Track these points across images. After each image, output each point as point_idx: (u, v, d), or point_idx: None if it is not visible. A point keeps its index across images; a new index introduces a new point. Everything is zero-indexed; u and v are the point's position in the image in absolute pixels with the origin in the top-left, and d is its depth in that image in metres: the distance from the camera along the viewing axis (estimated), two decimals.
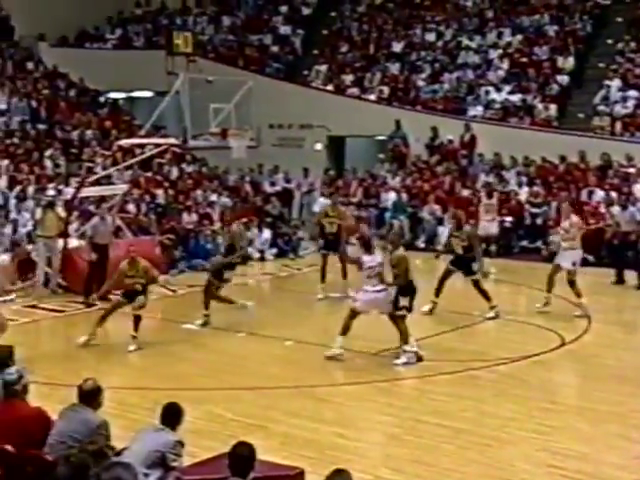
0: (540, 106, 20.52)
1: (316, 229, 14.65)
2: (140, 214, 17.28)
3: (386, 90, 22.57)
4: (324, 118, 21.92)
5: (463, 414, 8.40)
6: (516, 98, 20.91)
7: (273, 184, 21.06)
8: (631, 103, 19.52)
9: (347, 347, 10.47)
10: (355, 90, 22.95)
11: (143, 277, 11.06)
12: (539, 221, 17.83)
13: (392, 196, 19.54)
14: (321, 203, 19.72)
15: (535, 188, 18.32)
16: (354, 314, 10.25)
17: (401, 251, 10.46)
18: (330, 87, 23.38)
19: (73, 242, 14.59)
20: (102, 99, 24.27)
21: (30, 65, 24.22)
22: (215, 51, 25.17)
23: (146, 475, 5.25)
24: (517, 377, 9.54)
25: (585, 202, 17.51)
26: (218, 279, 12.04)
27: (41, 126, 21.39)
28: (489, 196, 16.60)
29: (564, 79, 20.95)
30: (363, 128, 21.78)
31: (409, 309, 10.16)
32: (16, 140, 20.27)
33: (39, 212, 14.59)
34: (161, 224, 17.05)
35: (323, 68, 24.02)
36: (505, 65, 21.87)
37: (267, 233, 18.08)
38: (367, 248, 10.47)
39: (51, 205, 14.49)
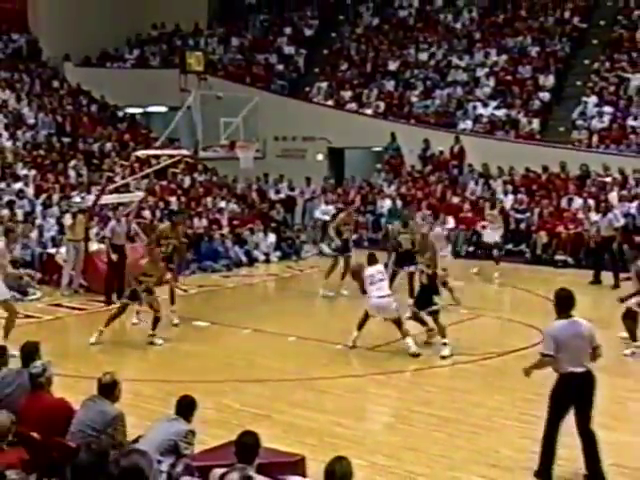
0: (524, 120, 20.50)
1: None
2: (155, 220, 17.26)
3: (382, 105, 22.55)
4: (325, 131, 21.90)
5: (452, 404, 8.38)
6: (501, 113, 20.89)
7: (278, 192, 21.04)
8: (606, 118, 19.51)
9: (344, 342, 10.46)
10: (353, 105, 22.94)
11: (157, 279, 11.10)
12: (523, 226, 17.81)
13: (387, 203, 19.54)
14: (323, 209, 19.78)
15: (519, 196, 18.30)
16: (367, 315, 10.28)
17: None
18: (330, 102, 23.36)
19: (94, 246, 14.58)
20: (121, 114, 24.30)
21: (56, 83, 24.26)
22: (224, 69, 25.16)
23: (159, 462, 5.24)
24: (503, 370, 9.50)
25: (565, 209, 17.50)
26: None
27: (65, 139, 21.41)
28: (492, 206, 16.41)
29: (545, 96, 20.93)
30: (361, 140, 21.76)
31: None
32: (42, 152, 20.29)
33: (68, 218, 14.54)
34: (175, 229, 17.00)
35: (324, 85, 24.00)
36: (491, 83, 21.85)
37: (272, 237, 18.07)
38: (370, 261, 10.55)
39: (81, 212, 14.53)
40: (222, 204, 19.13)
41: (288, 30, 26.39)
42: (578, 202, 17.41)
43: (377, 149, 22.32)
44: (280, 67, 25.38)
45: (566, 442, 6.53)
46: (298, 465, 5.75)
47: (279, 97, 23.21)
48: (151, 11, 26.69)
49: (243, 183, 21.06)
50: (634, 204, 16.41)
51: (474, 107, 21.35)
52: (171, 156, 16.48)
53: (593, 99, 19.98)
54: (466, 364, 9.75)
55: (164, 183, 19.59)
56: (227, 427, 7.15)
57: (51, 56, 24.93)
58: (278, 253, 17.93)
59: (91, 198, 15.77)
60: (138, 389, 8.54)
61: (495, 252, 15.79)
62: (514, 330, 11.42)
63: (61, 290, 14.12)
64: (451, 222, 18.26)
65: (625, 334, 10.28)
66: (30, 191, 17.67)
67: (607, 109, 19.62)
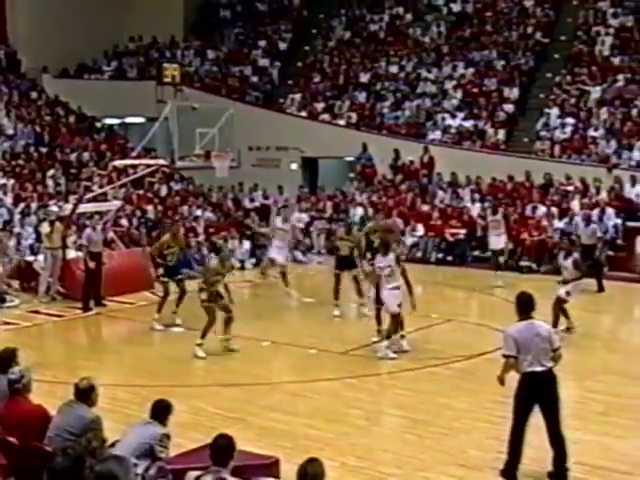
0: (490, 131, 20.67)
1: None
2: (132, 228, 17.16)
3: (354, 116, 22.61)
4: (298, 141, 21.91)
5: (422, 406, 8.40)
6: (469, 124, 21.04)
7: (252, 200, 21.00)
8: (568, 129, 19.73)
9: (318, 347, 10.45)
10: (326, 116, 22.97)
11: (179, 252, 11.97)
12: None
13: (360, 211, 19.56)
14: (297, 217, 19.77)
15: (486, 204, 18.42)
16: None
17: None
18: (304, 113, 23.38)
19: (71, 253, 14.45)
20: (99, 125, 24.10)
21: (34, 95, 24.01)
22: (200, 81, 25.09)
23: (135, 465, 5.19)
24: (471, 373, 9.55)
25: (529, 216, 17.65)
26: None
27: (43, 149, 21.20)
28: (494, 212, 15.98)
29: (510, 107, 21.13)
30: (334, 150, 21.80)
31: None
32: (21, 162, 20.08)
33: (46, 226, 14.36)
34: (151, 237, 16.91)
35: (297, 96, 24.02)
36: (459, 95, 22.01)
37: (247, 244, 18.02)
38: (385, 249, 10.49)
39: (59, 219, 14.38)
40: (198, 212, 19.05)
41: (262, 43, 26.40)
42: (542, 210, 17.56)
43: (349, 159, 22.36)
44: (255, 79, 25.37)
45: (533, 442, 6.57)
46: (272, 467, 5.73)
47: (254, 108, 23.18)
48: (128, 24, 26.54)
49: (219, 192, 21.00)
50: (595, 212, 16.59)
51: (443, 118, 21.48)
52: (148, 166, 16.44)
53: (555, 111, 20.21)
54: (435, 367, 9.77)
55: (141, 192, 19.47)
56: (202, 430, 7.11)
57: (30, 68, 24.66)
58: (253, 260, 17.88)
59: (68, 207, 15.63)
60: (115, 394, 8.46)
61: (501, 259, 15.41)
62: (481, 334, 11.47)
63: (39, 297, 13.96)
64: (420, 229, 18.37)
65: (562, 327, 10.74)
66: (9, 200, 17.47)
67: (569, 120, 19.85)
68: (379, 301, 10.58)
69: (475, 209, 18.47)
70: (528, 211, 17.82)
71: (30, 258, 15.00)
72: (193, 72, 25.28)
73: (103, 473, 4.31)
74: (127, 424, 6.07)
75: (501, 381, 6.64)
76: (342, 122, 22.59)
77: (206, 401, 8.53)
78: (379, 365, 9.90)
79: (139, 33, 27.02)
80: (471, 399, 8.60)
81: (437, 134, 21.17)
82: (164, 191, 20.43)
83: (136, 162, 16.79)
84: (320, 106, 23.36)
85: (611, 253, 16.21)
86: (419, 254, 18.03)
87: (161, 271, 12.38)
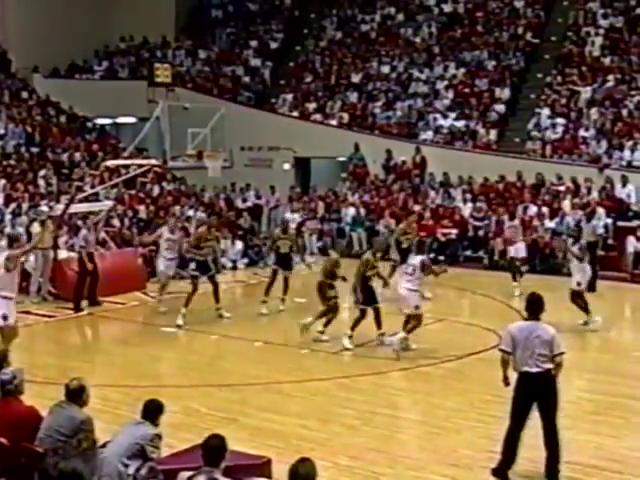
0: (481, 131, 20.71)
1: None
2: (124, 228, 17.10)
3: (346, 116, 22.62)
4: (290, 141, 21.89)
5: (414, 406, 8.43)
6: (460, 124, 21.07)
7: (245, 200, 20.99)
8: (559, 129, 19.78)
9: (311, 347, 10.45)
10: (318, 116, 22.96)
11: (214, 245, 12.26)
12: (481, 233, 17.97)
13: (351, 211, 19.57)
14: (288, 218, 19.76)
15: (478, 204, 18.46)
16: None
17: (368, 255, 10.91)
18: (296, 113, 23.37)
19: (62, 254, 14.40)
20: (90, 125, 24.03)
21: (25, 94, 23.93)
22: (192, 81, 25.04)
23: (126, 465, 5.18)
24: (462, 372, 9.58)
25: (521, 216, 17.67)
26: None
27: (35, 149, 21.13)
28: (511, 218, 15.72)
29: (501, 108, 21.18)
30: (326, 150, 21.79)
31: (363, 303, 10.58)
32: (12, 162, 20.00)
33: (36, 226, 14.30)
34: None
35: (289, 97, 24.01)
36: (450, 95, 22.05)
37: (239, 244, 17.99)
38: (421, 249, 10.77)
39: (50, 219, 14.33)
40: (190, 212, 19.00)
41: (254, 43, 26.38)
42: (533, 210, 17.61)
43: (341, 159, 22.37)
44: (246, 79, 25.35)
45: (529, 442, 6.57)
46: (264, 467, 5.73)
47: (245, 108, 23.16)
48: (119, 24, 26.48)
49: (211, 192, 20.96)
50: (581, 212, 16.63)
51: (434, 118, 21.51)
52: (140, 165, 16.40)
53: (546, 111, 20.26)
54: (427, 367, 9.78)
55: (133, 192, 19.42)
56: (194, 431, 7.09)
57: (20, 67, 24.58)
58: (245, 260, 17.86)
59: (60, 207, 15.58)
60: (106, 394, 8.43)
61: (523, 268, 14.71)
62: (473, 334, 11.49)
63: (30, 297, 13.90)
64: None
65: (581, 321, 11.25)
66: (0, 200, 17.40)
67: (560, 121, 19.90)
68: (366, 302, 10.57)
69: (467, 209, 18.51)
70: (519, 211, 17.85)
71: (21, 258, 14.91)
72: (185, 72, 25.24)
73: (67, 471, 4.26)
74: (118, 424, 6.05)
75: (505, 379, 6.60)
76: (334, 122, 22.59)
77: (198, 402, 8.51)
78: (371, 365, 9.90)
79: (130, 33, 26.97)
80: (462, 399, 8.61)
81: (429, 134, 21.20)
82: (156, 191, 20.37)
83: (128, 162, 16.76)
84: (312, 106, 23.35)
85: (602, 253, 16.26)
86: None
87: (193, 266, 12.43)
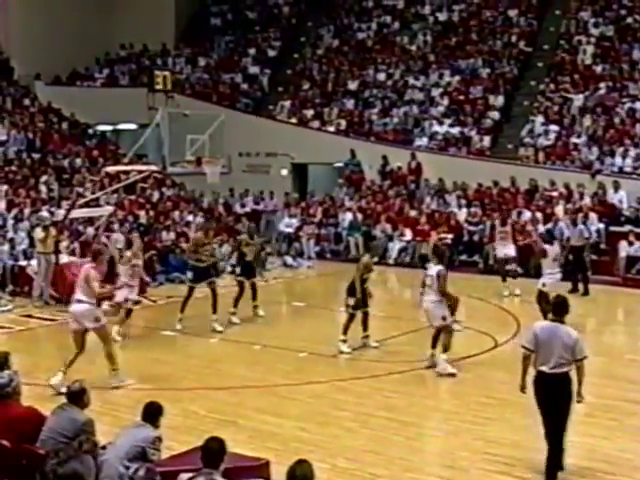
0: (476, 138, 20.74)
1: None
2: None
3: (343, 123, 22.64)
4: (288, 147, 21.90)
5: (410, 409, 8.40)
6: (455, 131, 21.11)
7: (243, 206, 20.99)
8: (552, 136, 19.82)
9: (308, 350, 10.43)
10: (315, 123, 22.99)
11: (212, 250, 11.84)
12: (476, 238, 17.98)
13: (348, 216, 19.59)
14: (286, 222, 19.79)
15: (473, 209, 18.47)
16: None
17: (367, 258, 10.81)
18: (293, 120, 23.39)
19: (64, 258, 14.38)
20: (91, 131, 24.06)
21: (27, 101, 23.96)
22: (191, 88, 25.06)
23: (127, 468, 5.17)
24: (458, 375, 9.54)
25: (515, 221, 17.68)
26: None
27: (36, 155, 21.13)
28: (503, 223, 15.71)
29: (495, 115, 21.22)
30: (323, 156, 21.82)
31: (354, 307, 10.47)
32: (14, 168, 20.00)
33: (40, 231, 14.24)
34: (143, 242, 16.84)
35: (287, 103, 24.03)
36: (445, 102, 22.09)
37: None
38: (439, 258, 9.98)
39: (54, 225, 14.30)
40: (189, 218, 19.00)
41: (252, 51, 26.42)
42: (527, 215, 17.63)
43: (338, 165, 22.39)
44: (245, 86, 25.37)
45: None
46: (263, 469, 5.71)
47: (244, 115, 23.16)
48: (120, 32, 26.51)
49: (210, 197, 20.96)
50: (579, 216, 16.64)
51: (430, 125, 21.55)
52: (140, 171, 16.38)
53: (540, 118, 20.31)
54: (423, 370, 9.76)
55: (133, 197, 19.41)
56: (194, 433, 7.07)
57: (22, 75, 24.61)
58: None
59: (61, 212, 15.58)
60: (107, 397, 8.42)
61: (513, 266, 15.00)
62: (468, 337, 11.48)
63: (32, 301, 13.89)
64: (408, 234, 18.42)
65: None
66: (2, 205, 17.39)
67: (553, 127, 19.94)
68: (357, 305, 10.52)
69: (462, 214, 18.52)
70: (513, 216, 17.86)
71: (23, 263, 14.94)
72: (184, 79, 25.25)
73: (67, 474, 4.23)
74: (119, 427, 6.04)
75: (523, 382, 6.65)
76: (331, 129, 22.62)
77: (198, 404, 8.50)
78: (368, 368, 9.89)
79: (131, 41, 27.00)
80: (458, 401, 8.62)
81: (424, 140, 21.23)
82: (156, 196, 20.38)
83: (128, 168, 16.72)
84: (309, 113, 23.38)
85: (595, 257, 16.28)
86: (407, 259, 18.11)
87: (190, 274, 12.15)
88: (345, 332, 10.52)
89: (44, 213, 15.92)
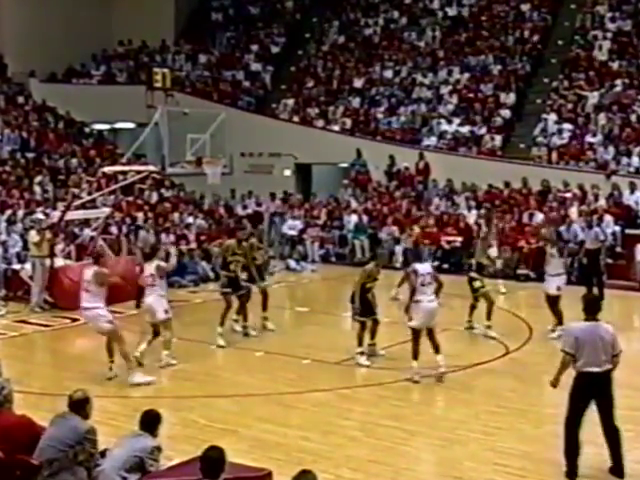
0: (486, 137, 20.76)
1: None
2: (121, 235, 17.15)
3: (348, 122, 22.69)
4: (292, 147, 21.96)
5: (417, 418, 8.41)
6: (465, 130, 21.13)
7: (245, 207, 21.04)
8: (566, 135, 19.83)
9: (312, 357, 10.45)
10: (320, 122, 23.04)
11: (243, 258, 11.57)
12: None
13: (354, 218, 19.61)
14: (290, 224, 19.82)
15: (482, 211, 18.47)
16: (417, 334, 9.54)
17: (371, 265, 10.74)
18: (297, 119, 23.44)
19: (59, 262, 14.42)
20: (87, 130, 24.13)
21: (21, 99, 24.04)
22: (192, 86, 25.14)
23: (125, 478, 5.19)
24: (466, 383, 9.56)
25: (527, 224, 17.71)
26: None
27: (30, 155, 21.21)
28: (488, 225, 15.77)
29: (507, 113, 21.24)
30: (327, 156, 21.87)
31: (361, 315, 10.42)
32: (7, 168, 20.07)
33: (34, 234, 14.29)
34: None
35: (290, 102, 24.09)
36: (454, 100, 22.11)
37: None
38: (418, 257, 10.15)
39: (49, 228, 14.36)
40: (190, 220, 19.05)
41: (255, 47, 26.48)
42: (539, 217, 17.63)
43: (344, 165, 22.43)
44: (247, 84, 25.44)
45: (590, 439, 6.71)
46: None
47: (246, 113, 23.24)
48: (118, 27, 26.61)
49: (210, 199, 21.01)
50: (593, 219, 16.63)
51: (438, 124, 21.57)
52: (138, 172, 16.43)
53: (553, 116, 20.31)
54: (430, 378, 9.78)
55: (131, 199, 19.47)
56: (194, 443, 7.09)
57: (16, 72, 24.69)
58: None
59: (56, 214, 15.63)
60: (104, 405, 8.42)
61: (498, 264, 15.07)
62: (478, 344, 11.51)
63: (31, 306, 13.92)
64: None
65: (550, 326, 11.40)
66: None
67: (566, 126, 19.95)
68: (364, 313, 10.43)
69: (471, 216, 18.52)
70: (525, 218, 17.89)
71: (17, 267, 14.98)
72: (184, 77, 25.33)
73: None
74: (116, 436, 6.07)
75: (556, 380, 6.79)
76: (336, 128, 22.66)
77: (198, 413, 8.52)
78: (374, 376, 9.91)
79: (129, 37, 27.08)
80: (466, 410, 8.62)
81: (432, 140, 21.25)
82: (154, 198, 20.43)
83: (126, 168, 16.79)
84: (314, 111, 23.43)
85: (610, 261, 16.26)
86: None
87: (224, 281, 11.90)
88: (360, 343, 10.39)
89: (39, 215, 16.00)
